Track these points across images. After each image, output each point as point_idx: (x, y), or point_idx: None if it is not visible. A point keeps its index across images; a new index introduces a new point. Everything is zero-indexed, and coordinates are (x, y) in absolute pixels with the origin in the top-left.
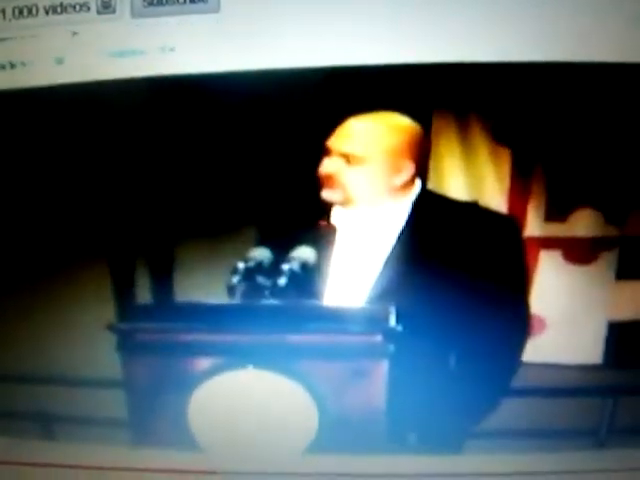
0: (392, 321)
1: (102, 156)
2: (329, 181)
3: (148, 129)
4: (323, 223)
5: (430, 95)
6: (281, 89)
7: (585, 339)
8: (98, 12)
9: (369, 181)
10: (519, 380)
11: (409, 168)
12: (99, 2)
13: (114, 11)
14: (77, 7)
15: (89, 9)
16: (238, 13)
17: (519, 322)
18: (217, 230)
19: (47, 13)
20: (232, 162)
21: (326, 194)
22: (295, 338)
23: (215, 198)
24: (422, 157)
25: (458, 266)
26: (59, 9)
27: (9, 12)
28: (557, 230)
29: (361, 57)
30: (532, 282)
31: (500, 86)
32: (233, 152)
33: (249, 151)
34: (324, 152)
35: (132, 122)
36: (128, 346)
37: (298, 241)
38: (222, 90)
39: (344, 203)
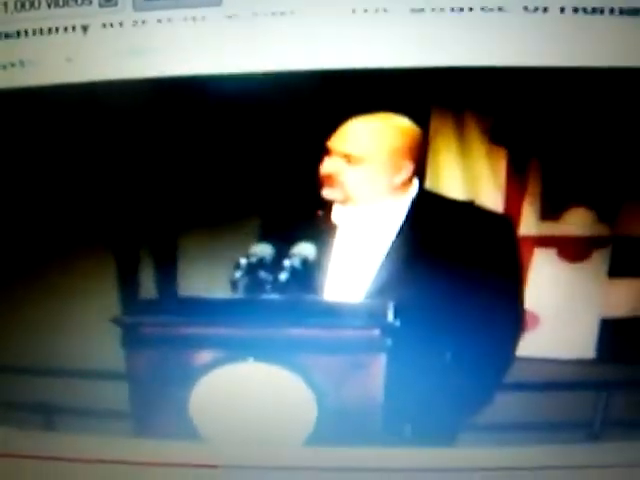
0: (390, 316)
1: (108, 150)
2: (329, 180)
3: (154, 126)
4: (320, 213)
5: (428, 97)
6: (284, 91)
7: (578, 334)
8: (100, 5)
9: (368, 180)
10: (514, 374)
11: (408, 168)
12: None
13: (116, 4)
14: (79, 0)
15: (91, 2)
16: (240, 6)
17: (514, 318)
18: (221, 226)
19: (49, 6)
20: (236, 161)
21: (326, 193)
22: (295, 332)
23: (219, 195)
24: (420, 157)
25: (454, 263)
26: (61, 2)
27: (11, 5)
28: (551, 228)
29: (362, 60)
30: (527, 279)
31: (496, 89)
32: (238, 151)
33: (253, 151)
34: (325, 152)
35: (138, 117)
36: (132, 339)
37: (299, 237)
38: (229, 90)
39: (344, 202)
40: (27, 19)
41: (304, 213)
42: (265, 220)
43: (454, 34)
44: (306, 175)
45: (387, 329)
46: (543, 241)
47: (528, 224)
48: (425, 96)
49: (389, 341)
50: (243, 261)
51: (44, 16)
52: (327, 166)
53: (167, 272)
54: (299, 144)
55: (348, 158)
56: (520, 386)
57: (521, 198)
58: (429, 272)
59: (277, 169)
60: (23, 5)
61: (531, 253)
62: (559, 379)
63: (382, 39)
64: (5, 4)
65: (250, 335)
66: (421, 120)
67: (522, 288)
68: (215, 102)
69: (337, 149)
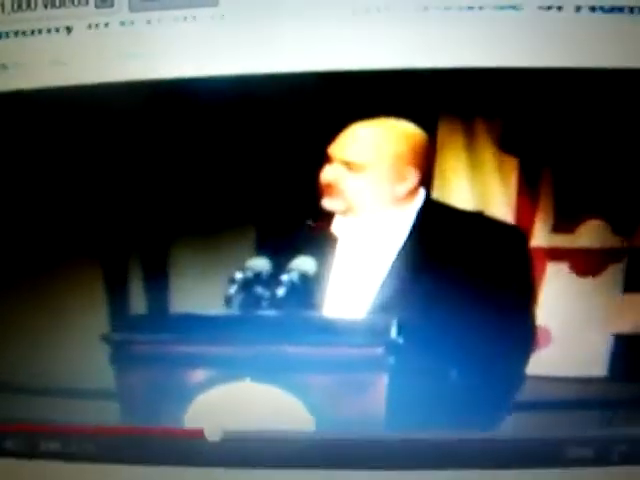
0: (393, 333)
1: (97, 156)
2: (330, 189)
3: (146, 130)
4: (310, 223)
5: (435, 101)
6: (282, 93)
7: (590, 352)
8: (96, 6)
9: (371, 189)
10: (524, 394)
11: (413, 176)
12: None
13: (112, 5)
14: (75, 1)
15: (87, 3)
16: (237, 7)
17: (524, 334)
18: (215, 239)
19: (45, 7)
20: (232, 169)
21: (327, 203)
22: (293, 350)
23: (213, 206)
24: (427, 165)
25: (462, 277)
26: (57, 2)
27: (8, 5)
28: (565, 241)
29: (364, 61)
30: (538, 294)
31: (507, 93)
32: (233, 159)
33: (249, 158)
34: (325, 159)
35: (130, 121)
36: (121, 357)
37: (298, 251)
38: (225, 93)
39: (345, 212)
40: (24, 20)
41: (303, 225)
42: (262, 232)
43: (463, 34)
44: (305, 184)
45: (390, 347)
46: (556, 254)
47: (540, 236)
48: (432, 100)
49: (392, 360)
50: (238, 276)
51: (40, 17)
52: (327, 174)
53: (158, 287)
54: (297, 151)
55: (349, 166)
56: (530, 405)
57: (533, 209)
58: (435, 286)
59: (274, 178)
60: (20, 6)
61: (543, 266)
62: (569, 397)
63: (385, 39)
64: (2, 4)
65: (246, 354)
66: (428, 126)
67: (534, 303)
68: (211, 106)
69: (338, 156)
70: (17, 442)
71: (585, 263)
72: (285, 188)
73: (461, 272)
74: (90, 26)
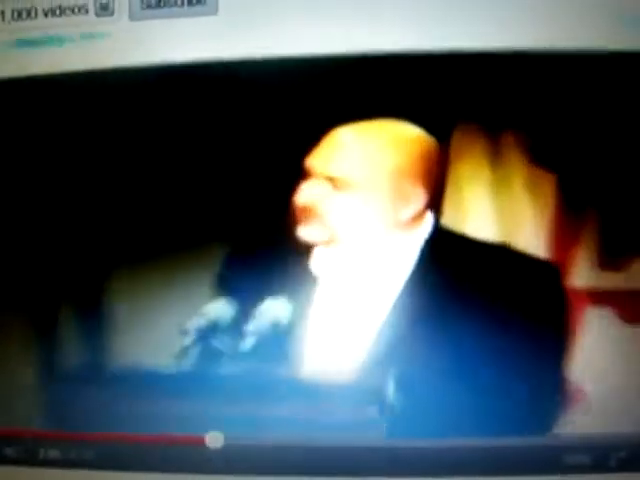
0: (390, 393)
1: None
2: (308, 213)
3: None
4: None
5: (450, 99)
6: (246, 85)
7: (632, 413)
8: (96, 14)
9: (362, 214)
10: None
11: (419, 197)
12: (97, 4)
13: (112, 13)
14: (75, 9)
15: (87, 11)
16: (236, 14)
17: (554, 392)
18: (164, 275)
19: (46, 16)
20: (186, 191)
21: (304, 231)
22: (265, 413)
23: (162, 233)
24: (436, 182)
25: (480, 326)
26: (58, 11)
27: (8, 14)
28: (610, 281)
29: (356, 43)
30: (574, 344)
31: (543, 90)
32: (186, 181)
33: (207, 179)
34: (302, 174)
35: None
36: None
37: (268, 292)
38: (184, 85)
39: (328, 243)
40: (25, 29)
41: (273, 259)
42: (222, 268)
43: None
44: (276, 206)
45: (385, 410)
46: (598, 296)
47: (580, 274)
48: (445, 96)
49: (387, 424)
50: (193, 324)
51: (40, 26)
52: (305, 194)
53: (95, 337)
54: (267, 164)
55: (334, 182)
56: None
57: (572, 239)
58: (445, 337)
59: (238, 199)
60: (20, 15)
61: (582, 311)
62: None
63: (383, 12)
64: (2, 13)
65: (210, 416)
66: (439, 131)
67: (568, 355)
68: (168, 99)
69: (319, 170)
70: (16, 449)
71: (633, 308)
72: (251, 211)
73: (478, 320)
74: (90, 34)
